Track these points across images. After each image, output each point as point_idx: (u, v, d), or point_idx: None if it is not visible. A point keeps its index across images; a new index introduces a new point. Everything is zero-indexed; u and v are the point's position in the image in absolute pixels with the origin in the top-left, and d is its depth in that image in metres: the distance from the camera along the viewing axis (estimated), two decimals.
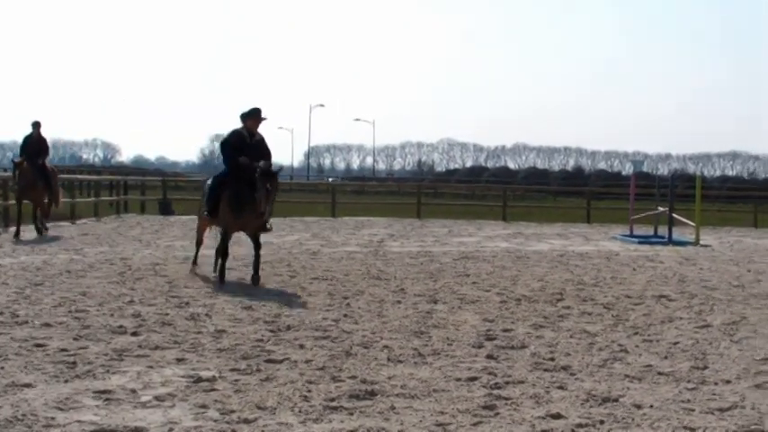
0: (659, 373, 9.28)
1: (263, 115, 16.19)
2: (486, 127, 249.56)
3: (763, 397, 8.40)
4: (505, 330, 11.68)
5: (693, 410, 7.83)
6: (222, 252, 16.21)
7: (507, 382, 8.71)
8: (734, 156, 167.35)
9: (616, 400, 8.09)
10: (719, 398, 8.32)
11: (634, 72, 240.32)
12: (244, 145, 15.88)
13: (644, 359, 10.03)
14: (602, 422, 7.37)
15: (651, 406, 7.91)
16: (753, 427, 7.37)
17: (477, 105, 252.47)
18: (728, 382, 9.04)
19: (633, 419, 7.48)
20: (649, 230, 32.86)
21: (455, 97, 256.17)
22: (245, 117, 16.09)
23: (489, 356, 9.94)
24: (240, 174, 15.69)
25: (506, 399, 8.07)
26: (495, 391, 8.32)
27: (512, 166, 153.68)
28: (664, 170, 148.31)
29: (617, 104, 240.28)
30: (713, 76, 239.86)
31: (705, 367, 9.69)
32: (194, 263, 17.40)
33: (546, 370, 9.33)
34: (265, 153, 16.03)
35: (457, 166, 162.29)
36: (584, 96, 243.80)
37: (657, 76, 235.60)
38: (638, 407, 7.87)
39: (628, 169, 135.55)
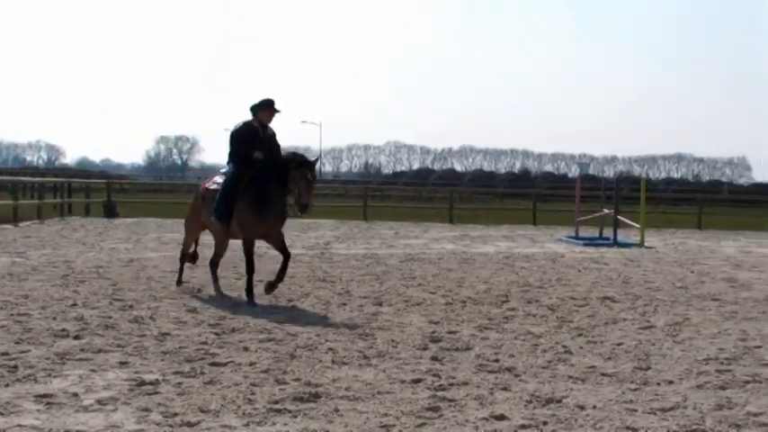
0: (603, 374, 9.33)
1: (276, 107, 14.64)
2: (432, 129, 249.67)
3: (704, 397, 8.46)
4: (450, 332, 11.70)
5: (636, 411, 7.87)
6: (249, 266, 14.13)
7: (451, 384, 8.72)
8: (679, 158, 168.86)
9: (559, 401, 8.12)
10: (662, 398, 8.38)
11: (580, 74, 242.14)
12: (256, 139, 14.34)
13: (588, 360, 10.08)
14: (545, 423, 7.39)
15: (594, 407, 7.95)
16: (694, 426, 7.42)
17: (423, 108, 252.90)
18: (671, 382, 9.11)
19: (576, 420, 7.51)
20: (595, 232, 33.09)
21: (402, 99, 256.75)
22: (256, 109, 14.52)
23: (434, 358, 9.94)
24: (259, 171, 14.11)
25: (450, 400, 8.07)
26: (440, 393, 8.32)
27: (458, 168, 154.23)
28: (609, 172, 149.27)
29: (563, 107, 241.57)
30: (658, 79, 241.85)
31: (648, 368, 9.75)
32: (179, 282, 15.55)
33: (490, 371, 9.34)
34: (277, 150, 14.55)
35: (404, 168, 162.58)
36: (531, 99, 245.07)
37: (603, 78, 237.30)
38: (582, 407, 7.91)
39: (574, 171, 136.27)
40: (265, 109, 14.51)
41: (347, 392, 8.25)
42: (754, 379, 9.33)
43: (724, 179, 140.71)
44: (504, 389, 8.57)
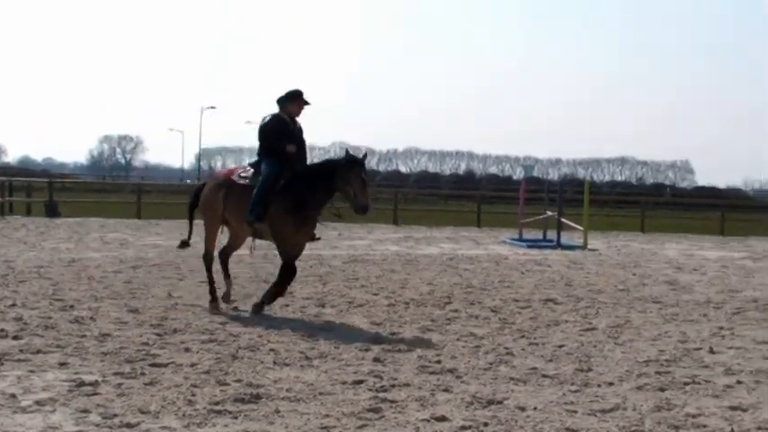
0: (544, 376, 9.38)
1: (306, 98, 13.70)
2: (378, 130, 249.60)
3: (644, 398, 8.53)
4: (393, 334, 11.72)
5: (576, 412, 7.92)
6: (286, 277, 13.12)
7: (393, 385, 8.73)
8: (623, 161, 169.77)
9: (500, 403, 8.15)
10: (602, 399, 8.44)
11: (525, 76, 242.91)
12: (286, 132, 13.35)
13: (529, 362, 10.13)
14: (486, 424, 7.42)
15: (535, 408, 7.99)
16: (633, 428, 7.48)
17: (369, 109, 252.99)
18: (611, 384, 9.17)
19: (516, 422, 7.54)
20: (538, 235, 33.26)
21: (347, 100, 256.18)
22: (284, 101, 13.55)
23: (376, 359, 9.95)
24: (301, 173, 13.19)
25: (392, 401, 8.08)
26: (381, 394, 8.33)
27: (403, 169, 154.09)
28: (554, 175, 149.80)
29: (509, 109, 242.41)
30: (602, 83, 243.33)
31: (589, 369, 9.81)
32: (215, 296, 13.68)
33: (432, 373, 9.36)
34: (304, 145, 13.67)
35: None
36: (476, 100, 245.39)
37: (548, 81, 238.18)
38: (522, 409, 7.94)
39: (518, 174, 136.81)
40: (295, 101, 13.59)
41: (288, 393, 8.24)
42: (694, 381, 9.41)
43: (667, 182, 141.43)
44: (446, 390, 8.60)
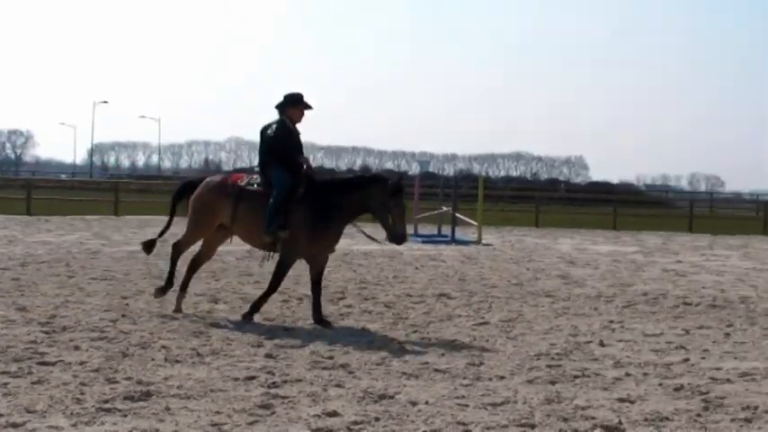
0: (436, 370, 9.42)
1: (308, 103, 13.09)
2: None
3: (535, 392, 8.63)
4: (286, 329, 11.71)
5: (467, 406, 7.98)
6: (275, 284, 12.73)
7: (285, 381, 8.71)
8: (518, 156, 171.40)
9: (392, 397, 8.18)
10: (493, 393, 8.51)
11: (421, 72, 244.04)
12: (295, 141, 12.80)
13: (421, 357, 10.17)
14: (377, 419, 7.44)
15: (426, 402, 8.02)
16: (524, 420, 7.56)
17: (265, 103, 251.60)
18: (503, 377, 9.26)
19: (408, 416, 7.57)
20: (433, 230, 33.39)
21: (243, 95, 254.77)
22: (285, 106, 12.88)
23: (268, 355, 9.92)
24: (324, 185, 12.79)
25: (284, 397, 8.06)
26: (273, 390, 8.31)
27: None
28: (450, 170, 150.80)
29: (404, 104, 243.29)
30: (498, 78, 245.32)
31: (481, 364, 9.89)
32: (172, 283, 13.23)
33: (324, 368, 9.36)
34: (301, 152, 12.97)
35: (245, 164, 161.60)
36: (372, 95, 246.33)
37: (444, 76, 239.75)
38: (414, 403, 7.97)
39: (414, 169, 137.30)
40: (298, 106, 12.95)
41: (179, 391, 8.17)
42: (583, 373, 9.55)
43: (562, 178, 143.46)
44: (338, 385, 8.60)
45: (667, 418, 7.82)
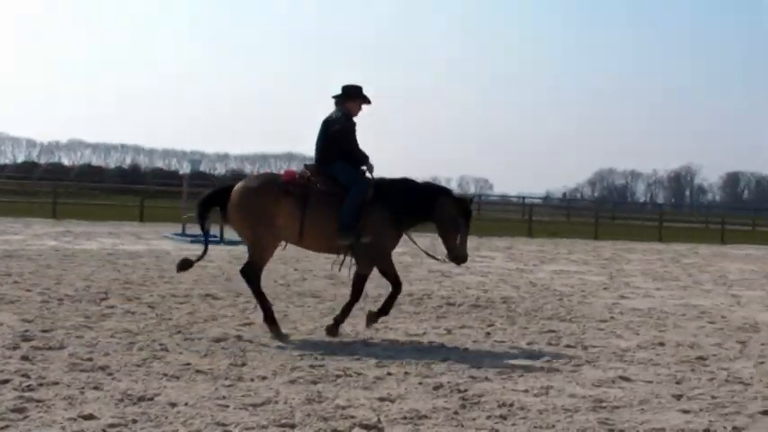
0: (197, 371, 9.35)
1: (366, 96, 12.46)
2: (40, 122, 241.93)
3: (296, 392, 8.66)
4: (44, 331, 11.36)
5: (228, 407, 7.95)
6: (357, 293, 12.28)
7: (41, 384, 8.47)
8: (290, 157, 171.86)
9: (151, 399, 8.07)
10: (254, 393, 8.51)
11: (195, 71, 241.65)
12: (356, 137, 12.26)
13: (183, 357, 10.08)
14: (134, 421, 7.33)
15: (186, 404, 7.96)
16: (284, 420, 7.59)
17: (34, 99, 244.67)
18: (264, 378, 9.26)
19: (167, 418, 7.48)
20: None
21: (8, 88, 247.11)
22: (344, 98, 12.31)
23: (24, 358, 9.62)
24: (396, 186, 12.24)
25: (38, 401, 7.84)
26: (27, 394, 8.07)
27: (66, 162, 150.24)
28: (221, 170, 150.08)
29: (178, 104, 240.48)
30: (261, 81, 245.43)
31: (243, 364, 9.87)
32: (272, 320, 11.93)
33: (83, 370, 9.15)
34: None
35: (7, 161, 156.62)
36: (143, 95, 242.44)
37: (216, 77, 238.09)
38: (173, 405, 7.89)
39: (185, 168, 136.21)
40: (357, 99, 12.33)
41: None
42: (345, 373, 9.65)
43: None
44: (96, 388, 8.43)
45: (426, 416, 7.97)
